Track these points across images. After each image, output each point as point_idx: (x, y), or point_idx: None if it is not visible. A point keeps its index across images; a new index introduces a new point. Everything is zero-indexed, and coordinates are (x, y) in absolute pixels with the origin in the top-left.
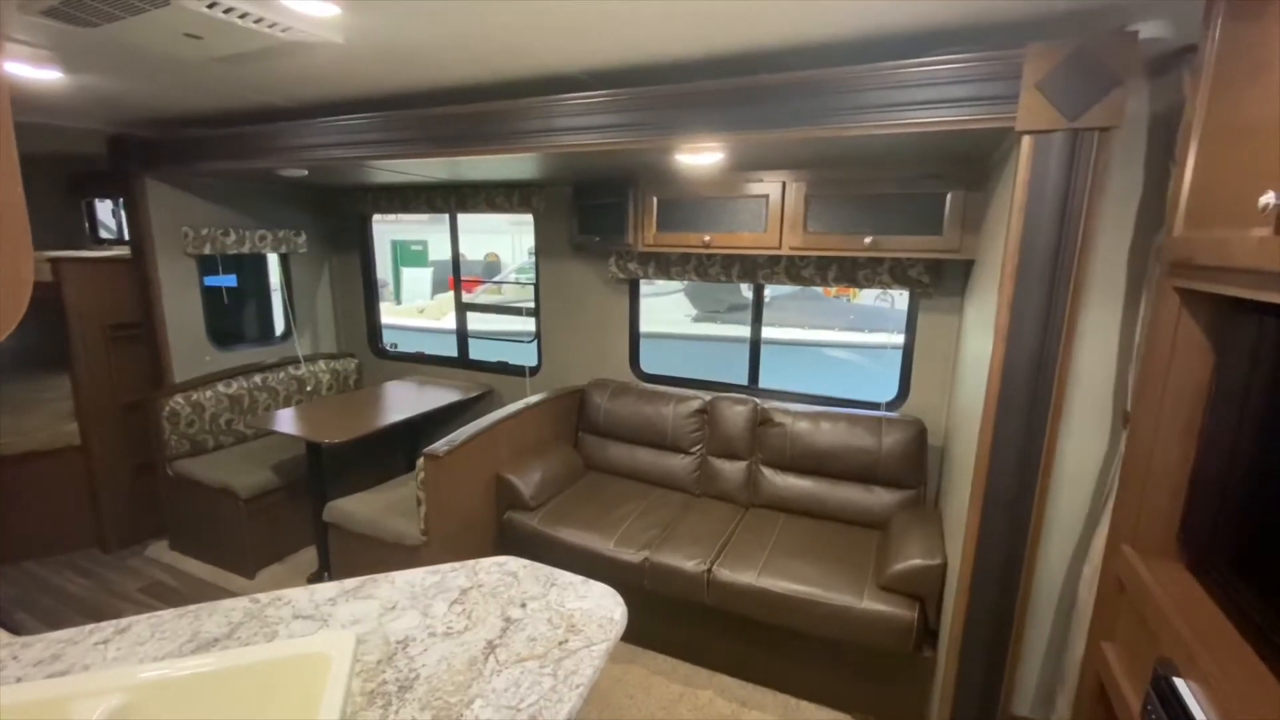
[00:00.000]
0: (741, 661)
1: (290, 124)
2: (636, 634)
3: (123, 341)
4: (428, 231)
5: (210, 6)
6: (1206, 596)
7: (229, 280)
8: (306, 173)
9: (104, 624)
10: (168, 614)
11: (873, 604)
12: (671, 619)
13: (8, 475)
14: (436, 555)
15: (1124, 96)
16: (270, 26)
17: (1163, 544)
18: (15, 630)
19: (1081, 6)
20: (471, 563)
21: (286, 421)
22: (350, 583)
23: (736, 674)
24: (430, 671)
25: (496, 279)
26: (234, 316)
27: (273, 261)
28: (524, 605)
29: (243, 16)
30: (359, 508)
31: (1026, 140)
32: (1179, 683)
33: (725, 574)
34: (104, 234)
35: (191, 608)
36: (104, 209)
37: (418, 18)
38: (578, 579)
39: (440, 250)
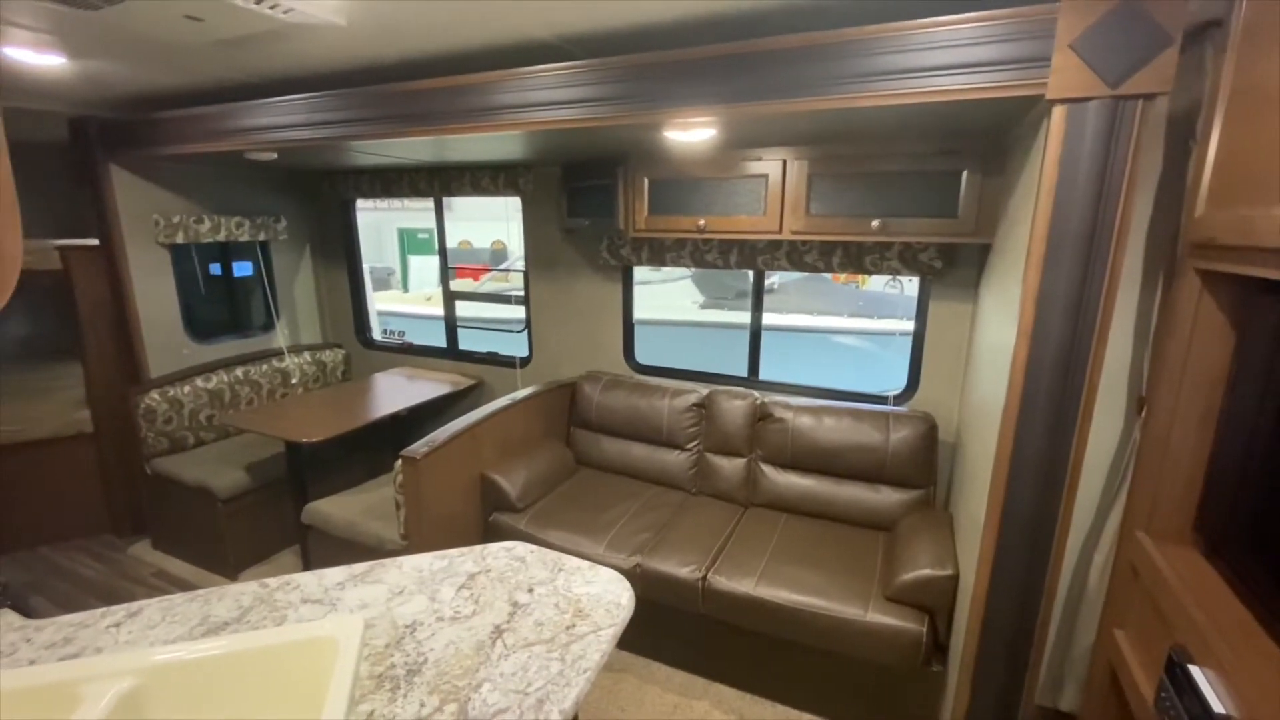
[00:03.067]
0: (740, 671)
1: (253, 103)
2: (630, 641)
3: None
4: (434, 219)
5: None
6: (1222, 583)
7: (245, 268)
8: (276, 155)
9: (115, 607)
10: (179, 598)
11: (879, 616)
12: (667, 626)
13: (21, 462)
14: None
15: (1175, 57)
16: (272, 8)
17: (1178, 530)
18: (30, 614)
19: None
20: (479, 548)
21: (264, 419)
22: (358, 567)
23: (734, 684)
24: (438, 655)
25: (503, 266)
26: (242, 306)
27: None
28: (531, 590)
29: None
30: (337, 510)
31: (1059, 110)
32: (1194, 670)
33: (722, 582)
34: None
35: (201, 592)
36: None
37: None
38: (585, 564)
39: (449, 238)
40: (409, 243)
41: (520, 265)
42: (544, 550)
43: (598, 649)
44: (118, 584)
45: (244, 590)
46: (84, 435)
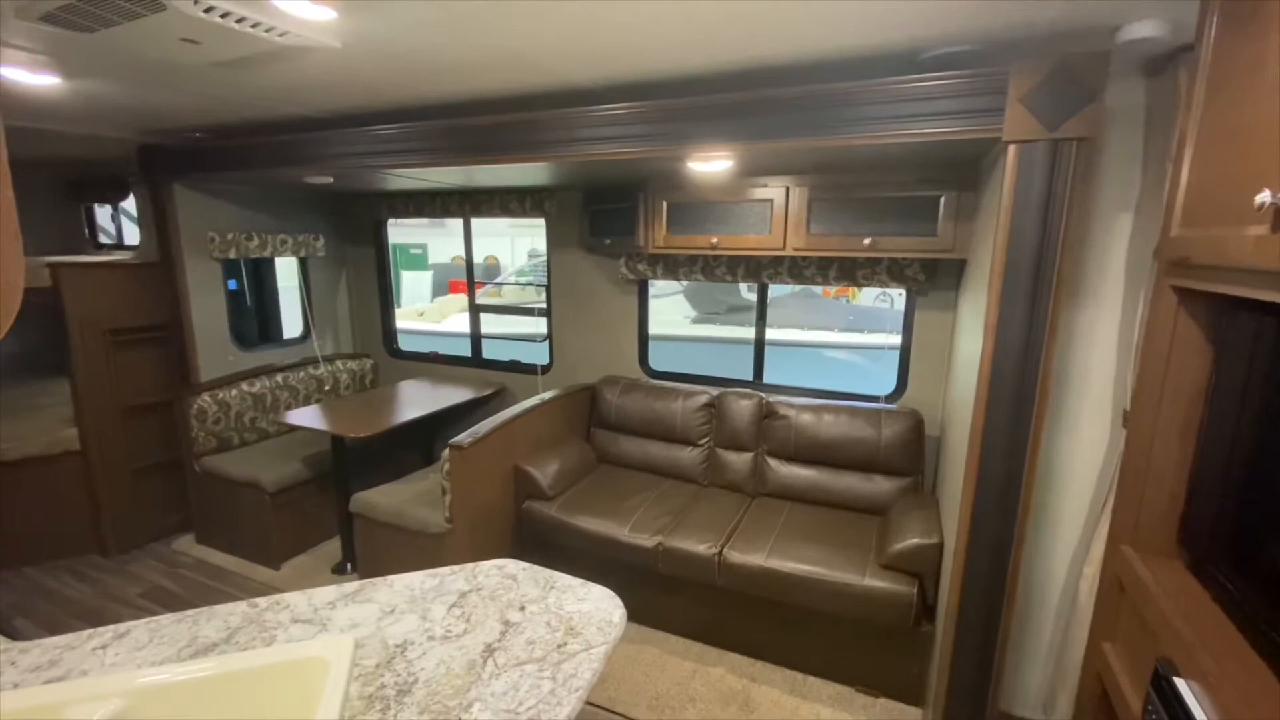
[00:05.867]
0: (751, 640)
1: (321, 134)
2: (650, 616)
3: (123, 346)
4: (427, 235)
5: (206, 11)
6: (1206, 596)
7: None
8: (332, 180)
9: (102, 629)
10: (166, 619)
11: (874, 581)
12: (683, 601)
13: (6, 480)
14: (460, 542)
15: (1100, 110)
16: (267, 31)
17: (1162, 544)
18: (13, 636)
19: (1077, 9)
20: (470, 566)
21: (313, 418)
22: (349, 586)
23: (746, 652)
24: (429, 675)
25: (496, 281)
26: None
27: (280, 265)
28: (523, 608)
29: (239, 21)
30: (384, 499)
31: (1012, 149)
32: (1179, 682)
33: (735, 556)
34: (103, 239)
35: (190, 613)
36: (103, 214)
37: (412, 23)
38: (576, 581)
39: (439, 254)
40: (401, 258)
41: (513, 280)
42: (536, 568)
43: (589, 667)
44: (104, 605)
45: (233, 610)
46: (70, 453)
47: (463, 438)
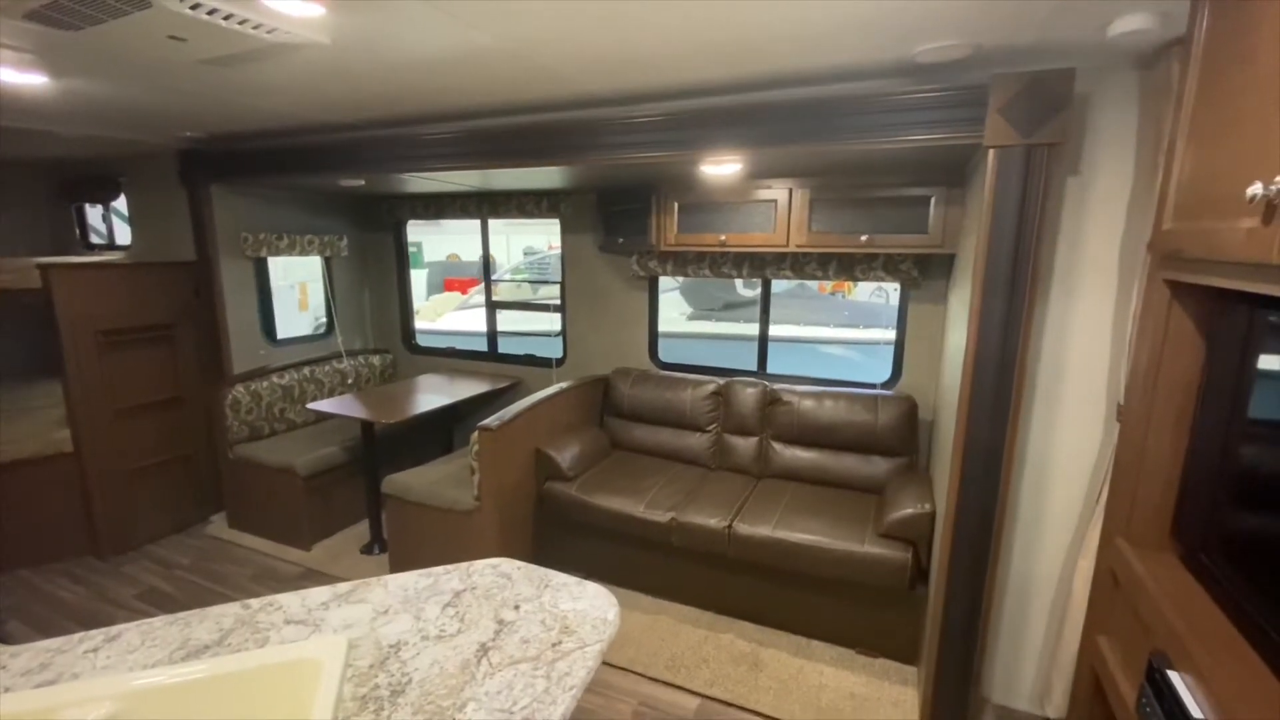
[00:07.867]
0: (758, 609)
1: (353, 136)
2: (663, 588)
3: (117, 347)
4: (422, 234)
5: (193, 8)
6: (1200, 589)
7: None
8: (364, 182)
9: (94, 632)
10: (158, 621)
11: (873, 548)
12: (694, 573)
13: (0, 483)
14: (488, 519)
15: (1068, 119)
16: (255, 28)
17: (1156, 537)
18: (7, 639)
19: (1070, 7)
20: (465, 565)
21: (347, 405)
22: (342, 587)
23: (754, 619)
24: (422, 675)
25: (493, 278)
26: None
27: (275, 265)
28: (517, 607)
29: (226, 18)
30: (415, 480)
31: (992, 154)
32: (1173, 675)
33: (744, 528)
34: (94, 239)
35: (182, 615)
36: (94, 214)
37: (401, 20)
38: (572, 580)
39: (434, 253)
40: None
41: (509, 278)
42: (530, 567)
43: (584, 665)
44: (98, 607)
45: (225, 612)
46: (64, 455)
47: (491, 421)
